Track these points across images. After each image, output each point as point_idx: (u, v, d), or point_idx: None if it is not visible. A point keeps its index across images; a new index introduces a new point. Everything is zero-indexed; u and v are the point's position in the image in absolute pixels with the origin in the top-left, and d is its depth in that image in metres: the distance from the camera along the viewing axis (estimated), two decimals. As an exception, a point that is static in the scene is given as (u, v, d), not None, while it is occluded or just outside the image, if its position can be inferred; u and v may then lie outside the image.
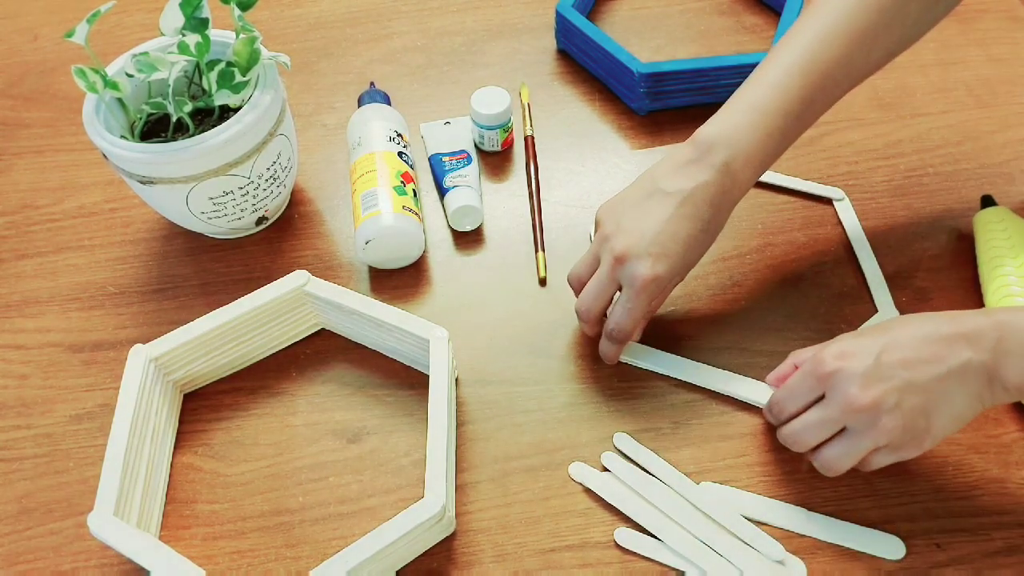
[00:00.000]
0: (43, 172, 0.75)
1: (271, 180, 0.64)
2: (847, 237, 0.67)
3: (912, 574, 0.51)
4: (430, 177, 0.72)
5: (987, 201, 0.66)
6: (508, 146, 0.75)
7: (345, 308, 0.58)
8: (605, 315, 0.59)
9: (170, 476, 0.57)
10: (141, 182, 0.60)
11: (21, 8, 0.89)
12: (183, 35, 0.60)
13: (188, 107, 0.61)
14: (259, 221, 0.68)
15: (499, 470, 0.56)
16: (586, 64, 0.80)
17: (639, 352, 0.61)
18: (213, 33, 0.62)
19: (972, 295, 0.63)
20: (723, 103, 0.56)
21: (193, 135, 0.60)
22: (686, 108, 0.76)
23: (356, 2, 0.88)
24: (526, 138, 0.75)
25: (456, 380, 0.60)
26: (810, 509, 0.54)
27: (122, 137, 0.61)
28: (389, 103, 0.74)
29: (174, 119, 0.61)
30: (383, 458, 0.57)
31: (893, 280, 0.64)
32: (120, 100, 0.62)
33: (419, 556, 0.53)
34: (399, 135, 0.69)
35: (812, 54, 0.54)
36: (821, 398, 0.50)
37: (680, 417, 0.58)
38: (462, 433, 0.58)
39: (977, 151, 0.72)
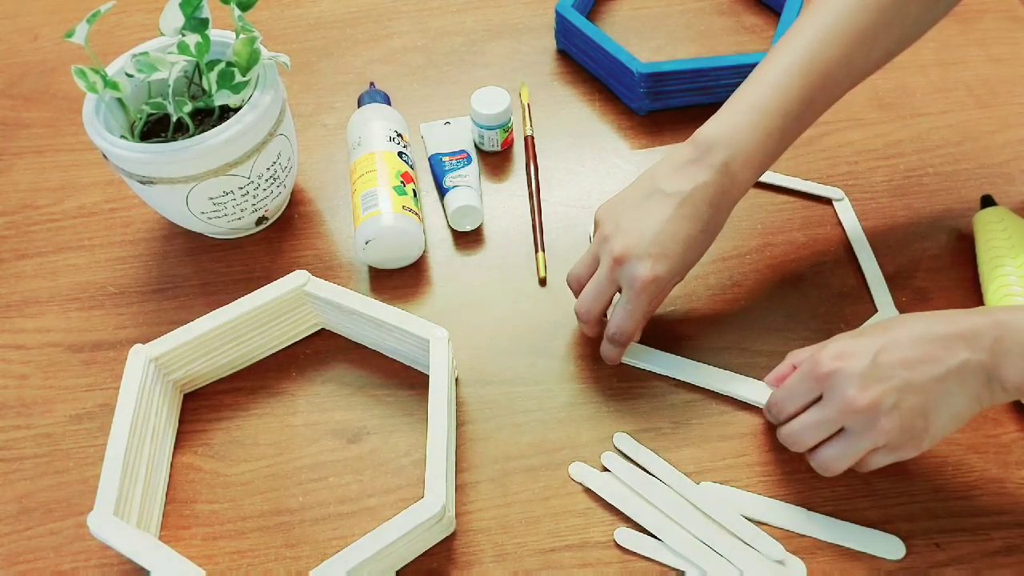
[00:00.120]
0: (43, 172, 0.75)
1: (271, 180, 0.64)
2: (847, 237, 0.67)
3: (912, 574, 0.51)
4: (430, 177, 0.72)
5: (987, 201, 0.66)
6: (508, 146, 0.75)
7: (345, 308, 0.58)
8: (604, 316, 0.59)
9: (170, 476, 0.57)
10: (141, 182, 0.60)
11: (21, 8, 0.89)
12: (183, 35, 0.60)
13: (188, 107, 0.61)
14: (259, 221, 0.68)
15: (499, 470, 0.56)
16: (586, 64, 0.80)
17: (639, 352, 0.61)
18: (213, 33, 0.62)
19: (972, 295, 0.63)
20: (723, 103, 0.56)
21: (193, 135, 0.60)
22: (686, 108, 0.76)
23: (356, 2, 0.88)
24: (526, 138, 0.75)
25: (456, 380, 0.60)
26: (810, 509, 0.54)
27: (122, 137, 0.61)
28: (389, 103, 0.74)
29: (174, 119, 0.61)
30: (383, 458, 0.57)
31: (893, 280, 0.64)
32: (120, 100, 0.62)
33: (419, 556, 0.53)
34: (399, 135, 0.69)
35: (812, 54, 0.54)
36: (820, 398, 0.50)
37: (680, 417, 0.58)
38: (462, 433, 0.58)
39: (977, 151, 0.72)
